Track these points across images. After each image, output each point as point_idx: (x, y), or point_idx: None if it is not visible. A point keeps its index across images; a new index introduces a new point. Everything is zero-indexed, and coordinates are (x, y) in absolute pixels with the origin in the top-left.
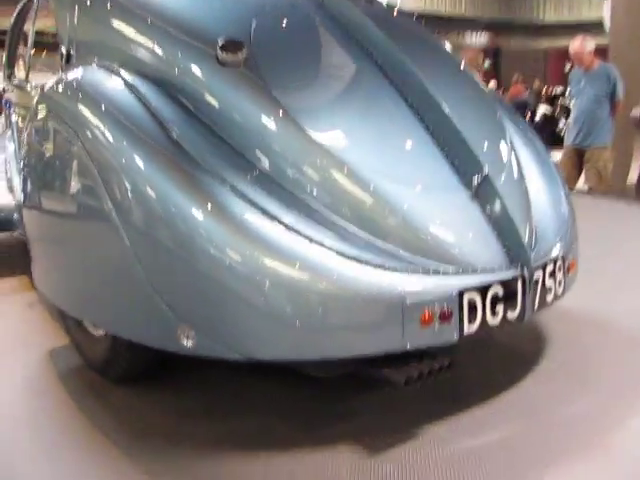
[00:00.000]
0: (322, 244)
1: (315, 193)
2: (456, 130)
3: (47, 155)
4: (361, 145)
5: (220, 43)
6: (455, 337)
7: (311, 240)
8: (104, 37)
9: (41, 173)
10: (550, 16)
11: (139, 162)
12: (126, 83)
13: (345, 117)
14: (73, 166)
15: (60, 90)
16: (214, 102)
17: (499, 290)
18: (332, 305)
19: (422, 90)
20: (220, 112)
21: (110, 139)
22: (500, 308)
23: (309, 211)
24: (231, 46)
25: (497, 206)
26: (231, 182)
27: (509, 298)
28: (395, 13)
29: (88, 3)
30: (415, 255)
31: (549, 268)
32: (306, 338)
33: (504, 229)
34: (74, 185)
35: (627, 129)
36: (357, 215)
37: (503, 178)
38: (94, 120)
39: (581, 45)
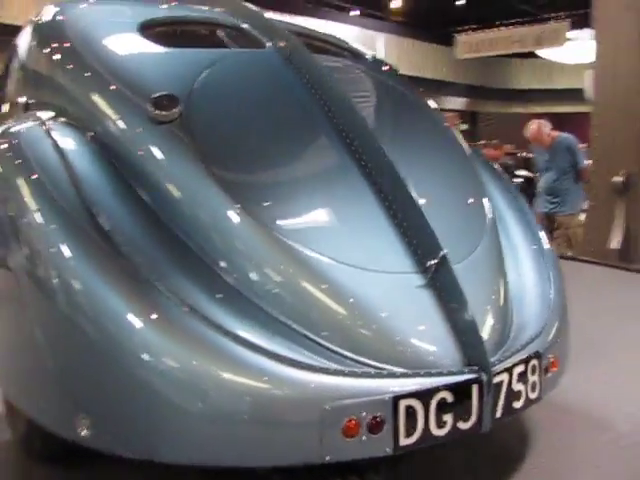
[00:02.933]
0: (245, 339)
1: (248, 282)
2: (417, 208)
3: None
4: (307, 229)
5: (152, 98)
6: (388, 450)
7: (234, 336)
8: (49, 87)
9: None
10: (527, 83)
11: (65, 248)
12: (57, 146)
13: (291, 194)
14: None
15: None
16: (147, 168)
17: (447, 396)
18: (245, 407)
19: (385, 165)
20: (154, 182)
21: (37, 217)
22: (449, 417)
23: (239, 303)
24: (164, 101)
25: (454, 295)
26: (161, 275)
27: (461, 405)
28: (381, 68)
29: (42, 50)
30: (351, 352)
31: (518, 369)
32: (215, 440)
33: (461, 323)
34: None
35: (608, 194)
36: (293, 306)
37: (467, 262)
38: (22, 190)
39: (539, 130)
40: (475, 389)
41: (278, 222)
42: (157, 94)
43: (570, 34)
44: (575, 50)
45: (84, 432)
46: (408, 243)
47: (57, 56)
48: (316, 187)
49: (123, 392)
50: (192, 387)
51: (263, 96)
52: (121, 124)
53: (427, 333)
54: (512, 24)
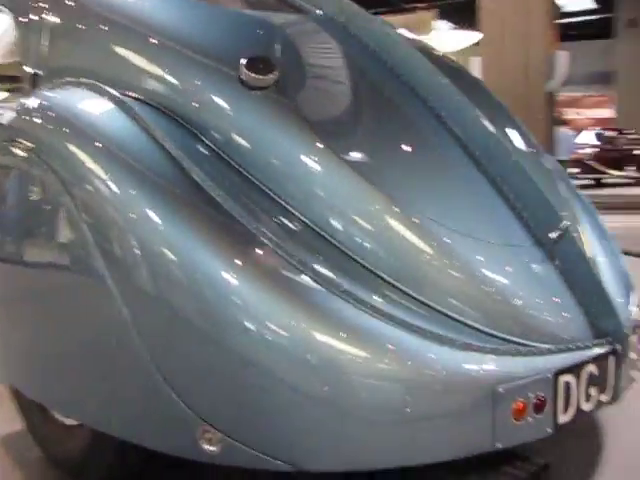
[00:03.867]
0: (391, 317)
1: (373, 253)
2: (530, 180)
3: (14, 207)
4: (423, 198)
5: (244, 62)
6: (550, 430)
7: (377, 311)
8: (89, 56)
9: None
10: None
11: (153, 215)
12: (125, 109)
13: (399, 164)
14: (54, 222)
15: (35, 121)
16: (240, 136)
17: (594, 369)
18: (408, 397)
19: (487, 136)
20: (249, 149)
21: (112, 186)
22: (594, 390)
23: (368, 276)
24: (259, 65)
25: (582, 268)
26: (274, 239)
27: (603, 377)
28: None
29: (65, 16)
30: (497, 331)
31: (633, 339)
32: (376, 441)
33: (592, 295)
34: (56, 247)
35: None
36: (427, 283)
37: (582, 234)
38: (88, 162)
39: None
40: (612, 360)
41: (397, 194)
42: (249, 57)
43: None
44: (439, 39)
45: (212, 449)
46: (530, 216)
47: (98, 20)
48: (425, 156)
49: (257, 395)
50: (345, 381)
51: (345, 63)
52: (200, 91)
53: (561, 306)
54: (382, 13)
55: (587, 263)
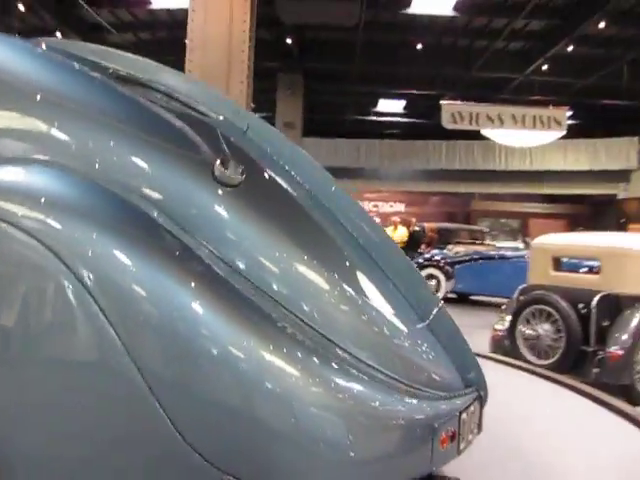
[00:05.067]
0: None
1: (344, 339)
2: (410, 266)
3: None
4: (368, 290)
5: (218, 161)
6: (457, 454)
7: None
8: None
9: None
10: None
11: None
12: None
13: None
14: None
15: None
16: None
17: (473, 409)
18: (382, 435)
19: (374, 231)
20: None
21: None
22: (474, 425)
23: (333, 355)
24: (229, 164)
25: (456, 336)
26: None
27: (476, 415)
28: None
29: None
30: (411, 381)
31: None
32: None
33: (461, 356)
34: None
35: None
36: (376, 354)
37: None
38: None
39: None
40: (479, 402)
41: (358, 292)
42: (221, 156)
43: None
44: None
45: None
46: (414, 297)
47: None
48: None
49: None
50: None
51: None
52: (174, 184)
53: (447, 365)
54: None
55: (458, 332)
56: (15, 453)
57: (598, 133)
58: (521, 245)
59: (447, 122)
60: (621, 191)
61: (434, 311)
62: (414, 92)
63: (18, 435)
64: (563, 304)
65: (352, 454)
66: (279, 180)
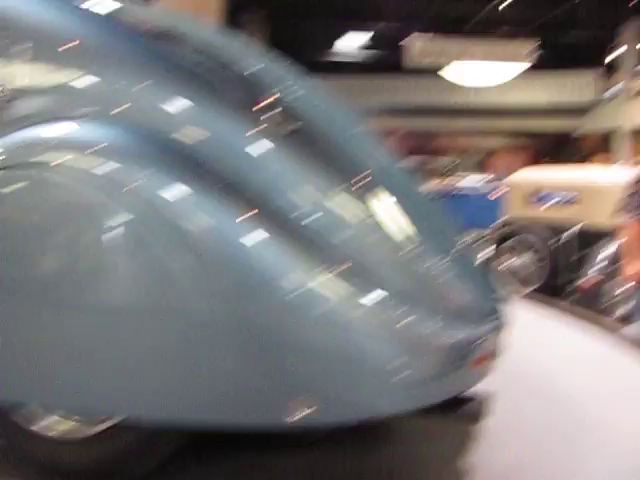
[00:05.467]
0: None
1: (390, 272)
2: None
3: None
4: (399, 223)
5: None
6: (484, 377)
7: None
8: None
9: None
10: None
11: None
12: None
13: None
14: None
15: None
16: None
17: (498, 335)
18: (424, 358)
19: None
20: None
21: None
22: (497, 351)
23: (374, 282)
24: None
25: (475, 265)
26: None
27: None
28: None
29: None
30: (452, 311)
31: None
32: (421, 386)
33: (485, 286)
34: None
35: None
36: (411, 282)
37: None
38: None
39: None
40: (499, 329)
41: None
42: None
43: None
44: None
45: (304, 413)
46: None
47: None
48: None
49: (338, 355)
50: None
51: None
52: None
53: (474, 294)
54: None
55: (480, 263)
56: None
57: (558, 67)
58: (485, 178)
59: (414, 57)
60: (581, 126)
61: (458, 244)
62: (377, 26)
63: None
64: (542, 236)
65: (397, 376)
66: (312, 123)
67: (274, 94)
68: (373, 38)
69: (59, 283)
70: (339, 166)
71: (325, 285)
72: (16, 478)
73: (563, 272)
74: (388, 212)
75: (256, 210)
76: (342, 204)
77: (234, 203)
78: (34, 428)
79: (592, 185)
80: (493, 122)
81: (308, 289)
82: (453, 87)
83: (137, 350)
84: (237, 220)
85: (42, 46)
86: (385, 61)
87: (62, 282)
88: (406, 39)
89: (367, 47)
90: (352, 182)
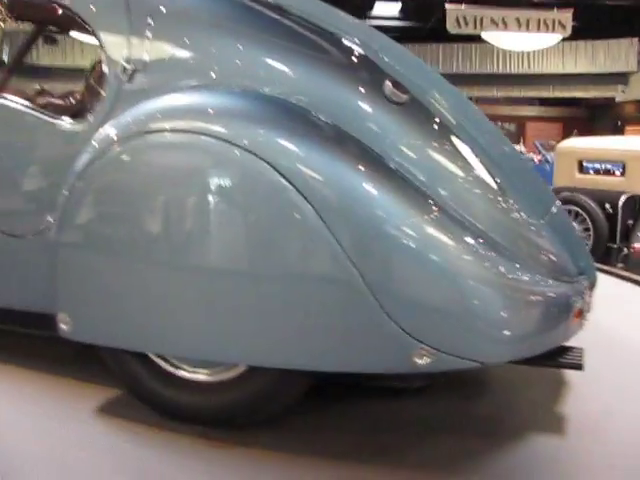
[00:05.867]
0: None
1: (490, 226)
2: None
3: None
4: (502, 188)
5: (389, 82)
6: (581, 329)
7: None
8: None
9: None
10: None
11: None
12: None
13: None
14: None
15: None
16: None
17: (590, 292)
18: (533, 310)
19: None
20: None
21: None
22: (590, 306)
23: (482, 237)
24: (398, 86)
25: (569, 230)
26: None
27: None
28: None
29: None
30: (551, 270)
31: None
32: (529, 337)
33: (576, 247)
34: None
35: None
36: (516, 240)
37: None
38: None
39: None
40: (591, 287)
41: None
42: (392, 78)
43: None
44: None
45: (423, 360)
46: (536, 198)
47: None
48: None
49: (457, 308)
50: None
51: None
52: (354, 101)
53: (568, 254)
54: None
55: (572, 226)
56: None
57: (597, 35)
58: (522, 148)
59: (452, 27)
60: (619, 93)
61: (552, 208)
62: None
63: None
64: (591, 204)
65: (508, 327)
66: (416, 93)
67: (382, 62)
68: (407, 7)
69: (201, 243)
70: (443, 129)
71: (438, 238)
72: (149, 424)
73: (611, 239)
74: (491, 171)
75: (371, 165)
76: (449, 162)
77: (350, 158)
78: (174, 374)
79: (638, 154)
80: (529, 90)
81: (424, 240)
82: (490, 55)
83: (271, 304)
84: (354, 173)
85: (165, 20)
86: (418, 30)
87: (203, 242)
88: (446, 7)
89: (400, 17)
90: (457, 143)
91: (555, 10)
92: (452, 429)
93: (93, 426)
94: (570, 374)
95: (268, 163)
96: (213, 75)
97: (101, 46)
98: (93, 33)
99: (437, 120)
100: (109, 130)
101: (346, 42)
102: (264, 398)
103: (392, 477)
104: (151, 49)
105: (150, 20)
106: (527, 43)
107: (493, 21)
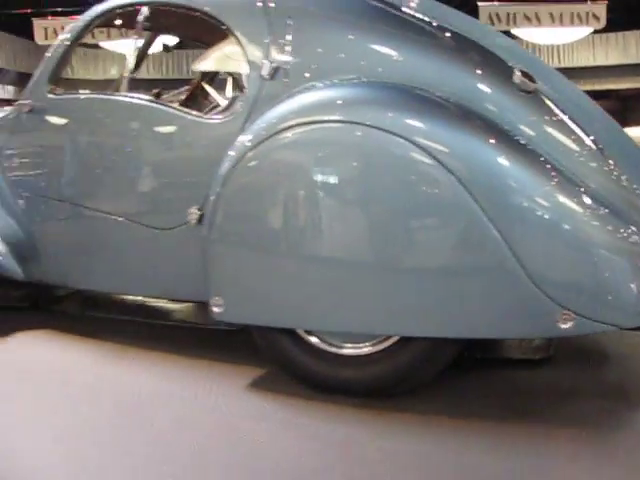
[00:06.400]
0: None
1: (610, 196)
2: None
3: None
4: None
5: (519, 72)
6: None
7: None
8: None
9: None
10: None
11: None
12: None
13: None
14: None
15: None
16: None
17: None
18: None
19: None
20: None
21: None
22: None
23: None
24: (527, 75)
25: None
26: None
27: None
28: None
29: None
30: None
31: None
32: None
33: None
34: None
35: None
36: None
37: None
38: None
39: None
40: None
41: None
42: (520, 68)
43: None
44: None
45: (567, 325)
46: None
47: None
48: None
49: (600, 275)
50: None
51: None
52: (487, 88)
53: None
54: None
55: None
56: None
57: (628, 26)
58: None
59: (484, 24)
60: None
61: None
62: None
63: None
64: None
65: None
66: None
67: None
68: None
69: (355, 222)
70: (563, 115)
71: (570, 208)
72: (297, 396)
73: None
74: (601, 143)
75: (504, 141)
76: (571, 142)
77: (486, 135)
78: (324, 348)
79: None
80: None
81: (559, 210)
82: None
83: (428, 277)
84: (491, 147)
85: (304, 21)
86: None
87: (357, 221)
88: (478, 4)
89: None
90: (575, 128)
91: (588, 2)
92: (585, 392)
93: (265, 400)
94: None
95: (417, 145)
96: (352, 71)
97: (242, 49)
98: (233, 36)
99: (559, 107)
100: (246, 135)
101: (472, 41)
102: (414, 368)
103: (536, 438)
104: (292, 49)
105: (290, 21)
106: (558, 37)
107: (526, 17)
